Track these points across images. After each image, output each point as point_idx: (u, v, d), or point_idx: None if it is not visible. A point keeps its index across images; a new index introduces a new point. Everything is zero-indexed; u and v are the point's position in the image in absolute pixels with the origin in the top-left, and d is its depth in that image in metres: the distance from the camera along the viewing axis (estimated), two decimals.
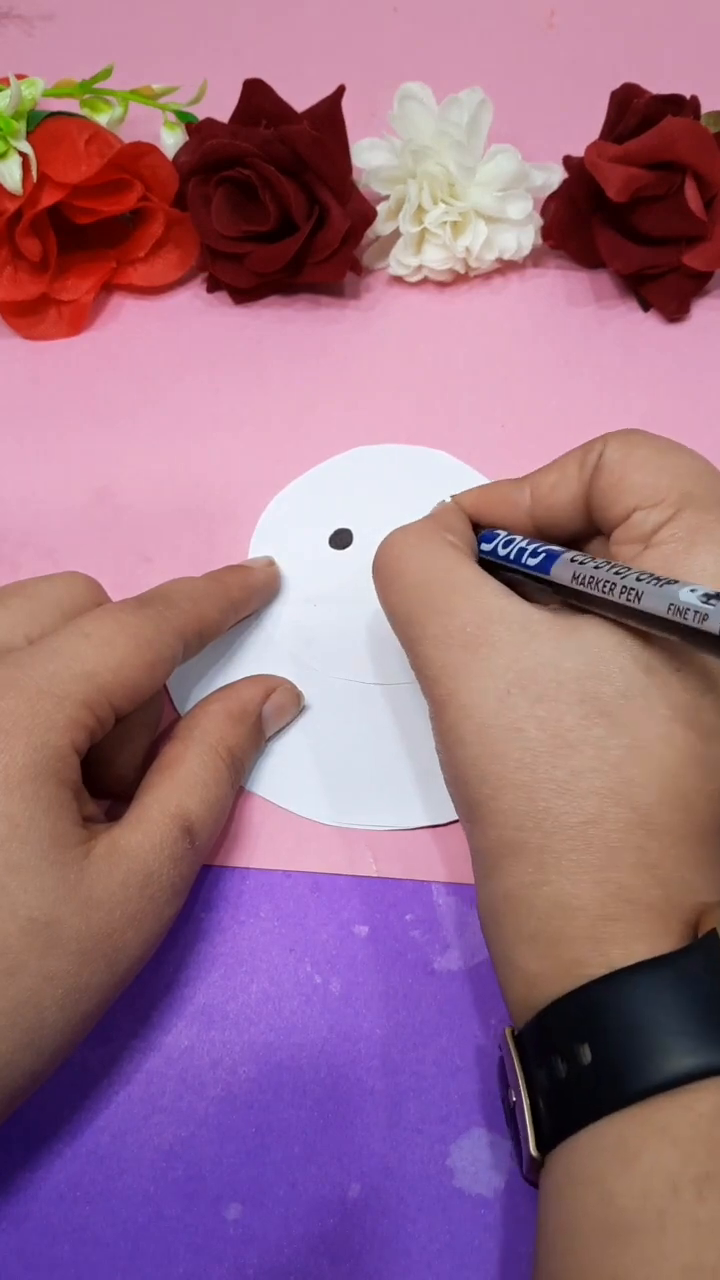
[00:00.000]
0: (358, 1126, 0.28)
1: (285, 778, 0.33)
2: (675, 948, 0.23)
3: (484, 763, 0.26)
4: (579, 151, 0.41)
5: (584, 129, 0.42)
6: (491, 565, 0.30)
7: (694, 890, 0.24)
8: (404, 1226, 0.27)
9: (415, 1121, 0.28)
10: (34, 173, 0.40)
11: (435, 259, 0.43)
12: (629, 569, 0.25)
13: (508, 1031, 0.25)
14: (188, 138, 0.44)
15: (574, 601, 0.27)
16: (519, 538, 0.30)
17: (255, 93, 0.42)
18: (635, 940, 0.23)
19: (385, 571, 0.30)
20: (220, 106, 0.42)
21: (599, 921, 0.24)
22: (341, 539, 0.38)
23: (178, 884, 0.28)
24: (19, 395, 0.42)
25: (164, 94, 0.44)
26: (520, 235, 0.43)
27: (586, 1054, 0.22)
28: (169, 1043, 0.30)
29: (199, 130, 0.43)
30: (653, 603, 0.24)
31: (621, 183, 0.39)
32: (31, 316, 0.43)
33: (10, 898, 0.24)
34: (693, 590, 0.23)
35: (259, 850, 0.32)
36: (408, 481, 0.39)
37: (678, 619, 0.23)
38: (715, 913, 0.23)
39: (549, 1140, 0.23)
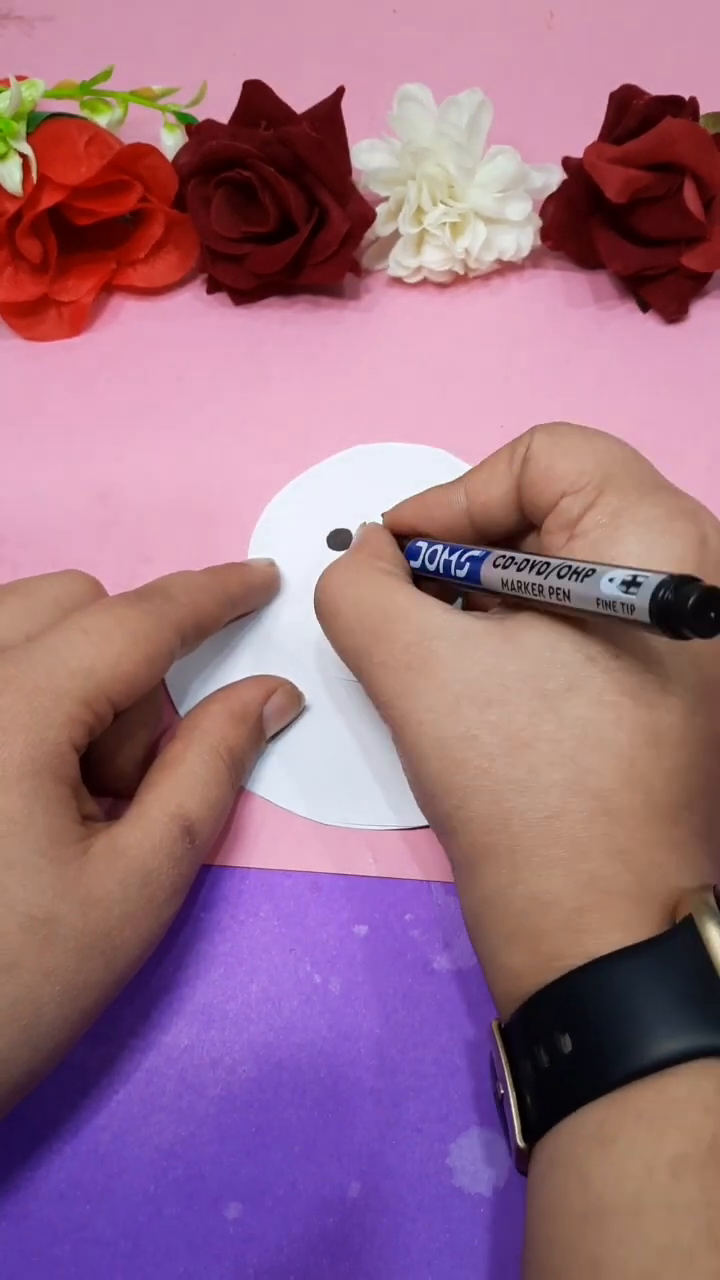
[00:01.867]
0: (357, 1126, 0.28)
1: (285, 778, 0.33)
2: (652, 934, 0.23)
3: (446, 775, 0.26)
4: (578, 152, 0.41)
5: (583, 130, 0.42)
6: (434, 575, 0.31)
7: (666, 873, 0.24)
8: (403, 1225, 0.27)
9: (414, 1121, 0.29)
10: (34, 174, 0.40)
11: (435, 260, 0.43)
12: (548, 564, 0.25)
13: (494, 1024, 0.25)
14: (187, 139, 0.44)
15: (514, 601, 0.27)
16: (441, 547, 0.30)
17: (255, 94, 0.42)
18: (611, 929, 0.23)
19: (325, 610, 0.30)
20: (220, 108, 0.42)
21: (574, 913, 0.24)
22: (340, 539, 0.38)
23: (177, 883, 0.28)
24: (19, 395, 0.42)
25: (164, 95, 0.45)
26: (519, 236, 0.43)
27: (567, 1043, 0.23)
28: (169, 1042, 0.30)
29: (199, 131, 0.43)
30: (580, 601, 0.24)
31: (620, 184, 0.39)
32: (32, 317, 0.43)
33: (8, 894, 0.25)
34: (611, 580, 0.23)
35: (259, 850, 0.32)
36: (407, 481, 0.39)
37: (610, 613, 0.23)
38: (691, 898, 0.23)
39: (535, 1130, 0.23)
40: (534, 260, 0.45)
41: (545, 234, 0.44)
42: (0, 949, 0.24)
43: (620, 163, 0.40)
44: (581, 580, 0.24)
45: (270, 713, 0.33)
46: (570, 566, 0.25)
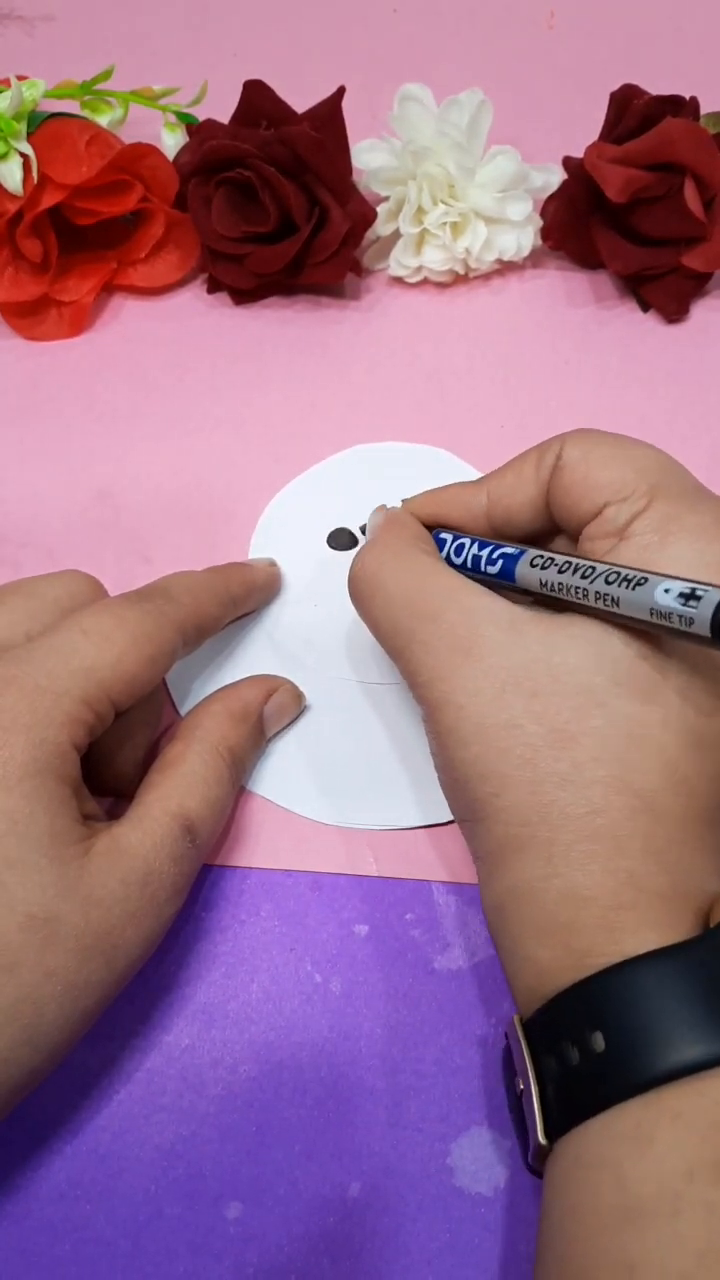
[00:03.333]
0: (358, 1125, 0.28)
1: (286, 778, 0.33)
2: (686, 936, 0.23)
3: (485, 761, 0.26)
4: (578, 152, 0.41)
5: (584, 130, 0.42)
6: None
7: (701, 877, 0.24)
8: (404, 1225, 0.27)
9: (415, 1120, 0.29)
10: (34, 174, 0.40)
11: (435, 260, 0.43)
12: (594, 568, 0.25)
13: (516, 1019, 0.25)
14: (188, 139, 0.44)
15: (549, 600, 0.27)
16: (469, 540, 0.30)
17: (255, 94, 0.42)
18: (647, 928, 0.23)
19: (364, 587, 0.30)
20: (220, 107, 0.42)
21: (611, 910, 0.24)
22: (340, 538, 0.38)
23: (178, 883, 0.28)
24: (19, 395, 0.42)
25: (164, 95, 0.45)
26: (520, 236, 0.43)
27: (600, 1041, 0.23)
28: (169, 1041, 0.30)
29: (199, 131, 0.43)
30: (632, 609, 0.24)
31: (621, 184, 0.39)
32: (32, 317, 0.43)
33: (9, 894, 0.25)
34: (667, 590, 0.23)
35: (259, 850, 0.32)
36: (407, 480, 0.39)
37: (662, 623, 0.23)
38: None
39: (558, 1127, 0.23)
40: (534, 260, 0.45)
41: (546, 234, 0.44)
42: (1, 948, 0.24)
43: (620, 162, 0.40)
44: (633, 588, 0.24)
45: (271, 712, 0.33)
46: (619, 573, 0.24)
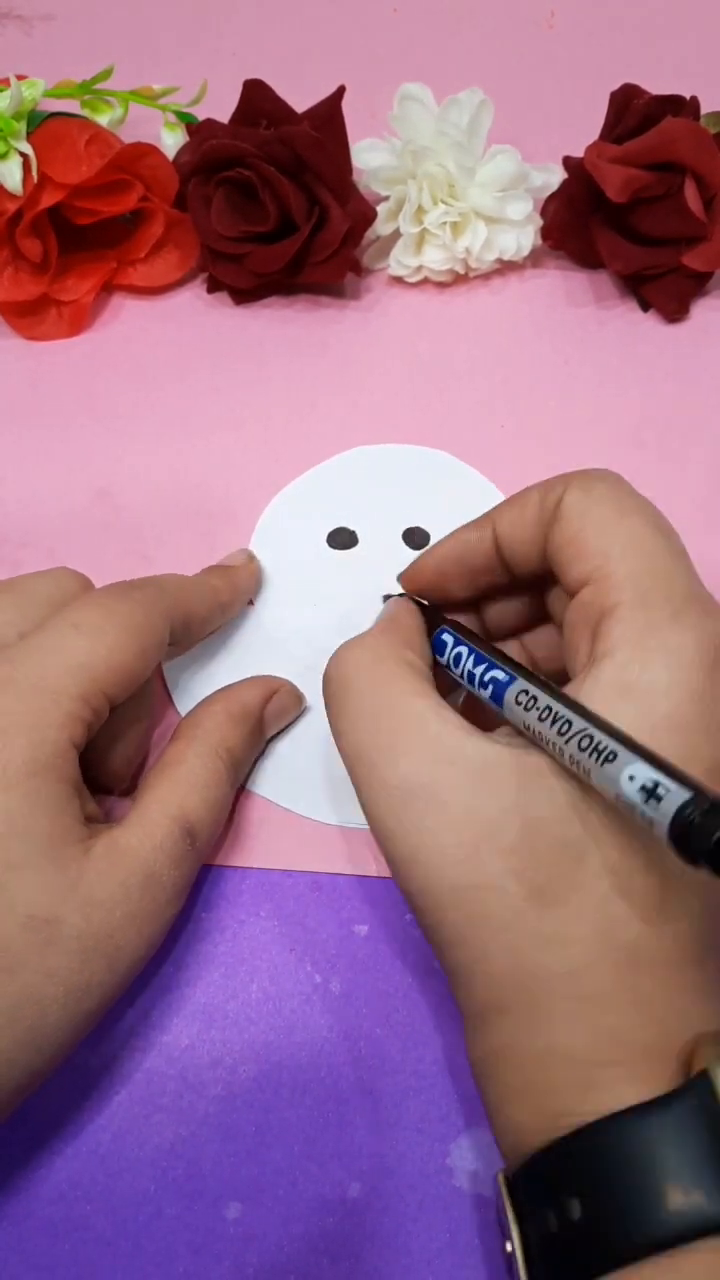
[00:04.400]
0: (358, 1126, 0.28)
1: (286, 777, 0.33)
2: (667, 1087, 0.22)
3: (463, 926, 0.24)
4: (579, 152, 0.41)
5: (584, 129, 0.42)
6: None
7: (686, 1019, 0.23)
8: (404, 1226, 0.27)
9: (415, 1121, 0.29)
10: (34, 173, 0.40)
11: (435, 259, 0.43)
12: (570, 724, 0.23)
13: (500, 1176, 0.24)
14: (188, 138, 0.44)
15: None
16: (466, 651, 0.28)
17: (255, 93, 0.42)
18: (624, 1083, 0.22)
19: (334, 688, 0.28)
20: (220, 107, 0.42)
21: (590, 1067, 0.23)
22: (340, 538, 0.38)
23: (178, 884, 0.28)
24: (19, 395, 0.42)
25: (164, 94, 0.45)
26: (520, 236, 0.43)
27: (576, 1208, 0.21)
28: (169, 1042, 0.30)
29: (199, 131, 0.43)
30: (602, 786, 0.22)
31: (621, 183, 0.39)
32: (32, 317, 0.43)
33: (10, 895, 0.24)
34: (631, 778, 0.21)
35: (259, 850, 0.32)
36: (407, 481, 0.39)
37: (627, 811, 0.22)
38: (708, 1048, 0.22)
39: None
40: (534, 260, 0.45)
41: (546, 233, 0.44)
42: (2, 950, 0.24)
43: (621, 162, 0.40)
44: (602, 764, 0.22)
45: (271, 714, 0.33)
46: (592, 740, 0.23)
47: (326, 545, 0.38)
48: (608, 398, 0.41)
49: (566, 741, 0.23)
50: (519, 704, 0.25)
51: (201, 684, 0.35)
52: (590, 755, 0.22)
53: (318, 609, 0.36)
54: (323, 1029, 0.30)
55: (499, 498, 0.39)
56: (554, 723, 0.24)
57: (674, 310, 0.43)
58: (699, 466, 0.40)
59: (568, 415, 0.41)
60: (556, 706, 0.24)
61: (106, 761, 0.31)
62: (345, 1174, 0.28)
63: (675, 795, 0.20)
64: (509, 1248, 0.23)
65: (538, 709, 0.24)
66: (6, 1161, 0.28)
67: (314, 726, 0.34)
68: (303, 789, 0.33)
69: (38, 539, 0.38)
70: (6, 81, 0.41)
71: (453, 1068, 0.29)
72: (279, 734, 0.34)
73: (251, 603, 0.35)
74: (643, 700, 0.24)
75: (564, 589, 0.27)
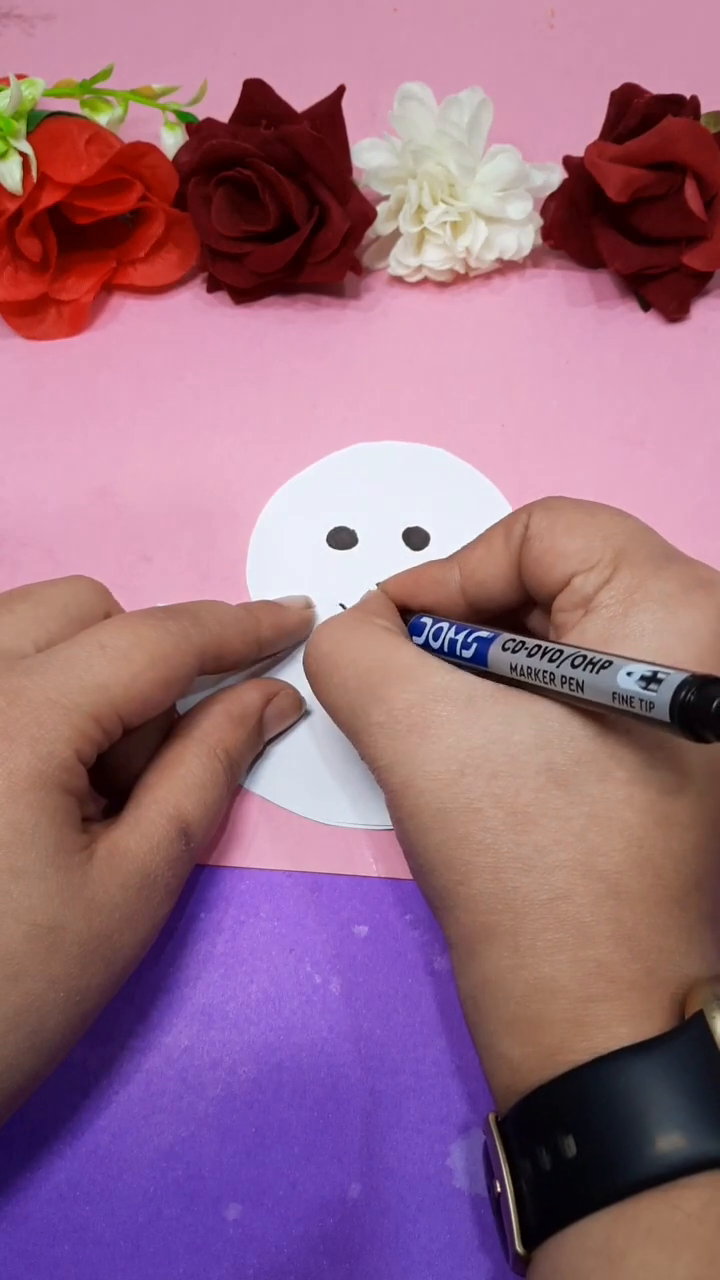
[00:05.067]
0: (358, 1126, 0.28)
1: (286, 778, 0.33)
2: (661, 1028, 0.22)
3: (448, 848, 0.25)
4: (579, 151, 0.41)
5: (584, 129, 0.42)
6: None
7: (676, 961, 0.23)
8: (404, 1226, 0.27)
9: (415, 1121, 0.28)
10: (34, 173, 0.40)
11: (435, 259, 0.43)
12: (560, 651, 0.24)
13: (491, 1117, 0.24)
14: (188, 138, 0.44)
15: (520, 685, 0.26)
16: (447, 625, 0.29)
17: (255, 93, 0.42)
18: (619, 1022, 0.23)
19: (321, 666, 0.29)
20: (220, 106, 0.42)
21: (580, 1003, 0.23)
22: (340, 538, 0.38)
23: (173, 884, 0.28)
24: (19, 395, 0.42)
25: (164, 94, 0.44)
26: (520, 235, 0.43)
27: (571, 1146, 0.22)
28: (169, 1043, 0.30)
29: (199, 130, 0.43)
30: (595, 694, 0.23)
31: (621, 183, 0.39)
32: (32, 316, 0.43)
33: (14, 903, 0.24)
34: (629, 674, 0.22)
35: (259, 850, 0.32)
36: (407, 479, 0.39)
37: (625, 708, 0.22)
38: (702, 990, 0.22)
39: (535, 1235, 0.22)
40: (535, 259, 0.45)
41: (546, 233, 0.44)
42: (7, 959, 0.24)
43: (621, 162, 0.40)
44: (597, 671, 0.23)
45: (270, 716, 0.33)
46: (584, 656, 0.24)
47: (326, 544, 0.38)
48: (608, 398, 0.41)
49: (558, 665, 0.24)
50: (506, 649, 0.26)
51: (201, 684, 0.35)
52: (584, 669, 0.23)
53: (317, 608, 0.36)
54: (322, 1029, 0.30)
55: (498, 497, 0.39)
56: (544, 654, 0.25)
57: (674, 310, 0.43)
58: (699, 466, 0.40)
59: (568, 415, 0.41)
60: (545, 643, 0.25)
61: (127, 772, 0.30)
62: (345, 1174, 0.28)
63: (674, 677, 0.21)
64: (498, 1188, 0.23)
65: (526, 648, 0.26)
66: (7, 1162, 0.28)
67: (314, 727, 0.34)
68: (302, 789, 0.33)
69: (37, 539, 0.38)
70: (6, 81, 0.41)
71: (453, 1068, 0.29)
72: (279, 735, 0.34)
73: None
74: (630, 642, 0.25)
75: (544, 596, 0.28)
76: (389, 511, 0.38)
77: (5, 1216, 0.28)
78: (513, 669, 0.26)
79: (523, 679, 0.26)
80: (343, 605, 0.36)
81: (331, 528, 0.38)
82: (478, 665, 0.27)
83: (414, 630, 0.31)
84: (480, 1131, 0.28)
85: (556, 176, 0.43)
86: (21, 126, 0.40)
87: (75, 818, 0.26)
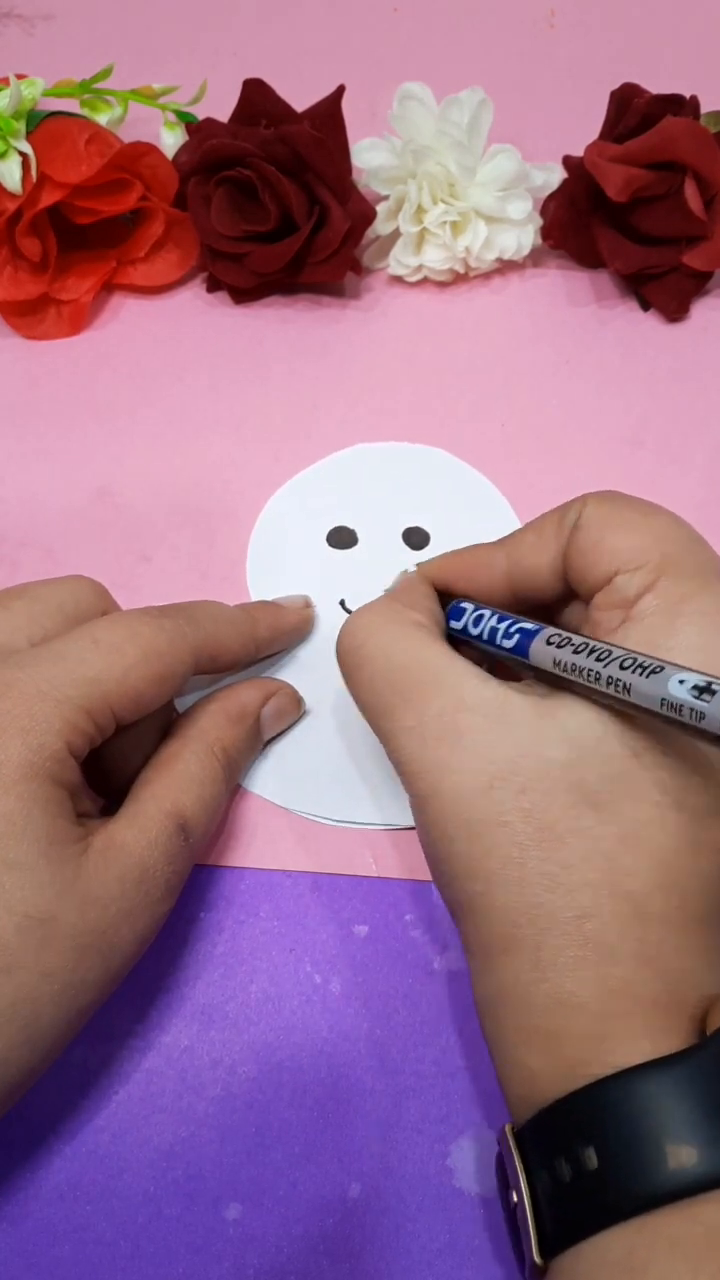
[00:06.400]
0: (358, 1126, 0.28)
1: (285, 777, 0.33)
2: (682, 1045, 0.22)
3: (473, 859, 0.25)
4: (579, 151, 0.41)
5: (584, 129, 0.42)
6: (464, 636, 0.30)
7: (697, 981, 0.24)
8: (404, 1226, 0.27)
9: (415, 1121, 0.28)
10: (34, 172, 0.40)
11: (435, 259, 0.43)
12: (610, 651, 0.24)
13: (507, 1128, 0.24)
14: (188, 137, 0.44)
15: (554, 679, 0.26)
16: (488, 612, 0.29)
17: (255, 93, 0.42)
18: (639, 1038, 0.23)
19: (350, 658, 0.29)
20: (220, 106, 0.42)
21: (601, 1019, 0.23)
22: (340, 537, 0.38)
23: (171, 880, 0.28)
24: (19, 395, 0.42)
25: (164, 94, 0.44)
26: (520, 235, 0.43)
27: (592, 1158, 0.22)
28: (169, 1042, 0.30)
29: (199, 130, 0.43)
30: (642, 698, 0.23)
31: (621, 182, 0.39)
32: (31, 316, 0.43)
33: (6, 895, 0.24)
34: (682, 681, 0.22)
35: (259, 850, 0.32)
36: (407, 479, 0.39)
37: (672, 715, 0.22)
38: None
39: (552, 1246, 0.22)
40: (535, 259, 0.45)
41: (546, 233, 0.44)
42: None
43: (621, 161, 0.40)
44: (647, 676, 0.23)
45: (269, 715, 0.33)
46: (635, 659, 0.23)
47: (326, 544, 0.38)
48: (608, 398, 0.41)
49: (605, 665, 0.24)
50: (551, 644, 0.26)
51: (198, 684, 0.35)
52: (634, 671, 0.23)
53: (317, 608, 0.36)
54: (322, 1029, 0.30)
55: (499, 497, 0.39)
56: (591, 652, 0.24)
57: (674, 310, 0.43)
58: (699, 467, 0.40)
59: (568, 415, 0.41)
60: (593, 641, 0.25)
61: (126, 773, 0.30)
62: (345, 1174, 0.28)
63: None
64: (514, 1198, 0.23)
65: (573, 645, 0.25)
66: (6, 1162, 0.28)
67: (315, 727, 0.34)
68: (302, 788, 0.33)
69: (37, 538, 0.38)
70: (6, 80, 0.41)
71: (453, 1068, 0.29)
72: (279, 734, 0.34)
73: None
74: (675, 655, 0.24)
75: (586, 590, 0.27)
76: (389, 511, 0.38)
77: (5, 1216, 0.28)
78: (556, 664, 0.25)
79: (565, 675, 0.25)
80: (343, 603, 0.36)
81: (331, 528, 0.38)
82: (517, 656, 0.27)
83: (453, 615, 0.30)
84: (482, 1133, 0.28)
85: (556, 176, 0.43)
86: (21, 126, 0.40)
87: (68, 810, 0.26)
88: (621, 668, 0.23)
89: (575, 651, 0.25)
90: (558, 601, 0.30)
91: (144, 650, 0.28)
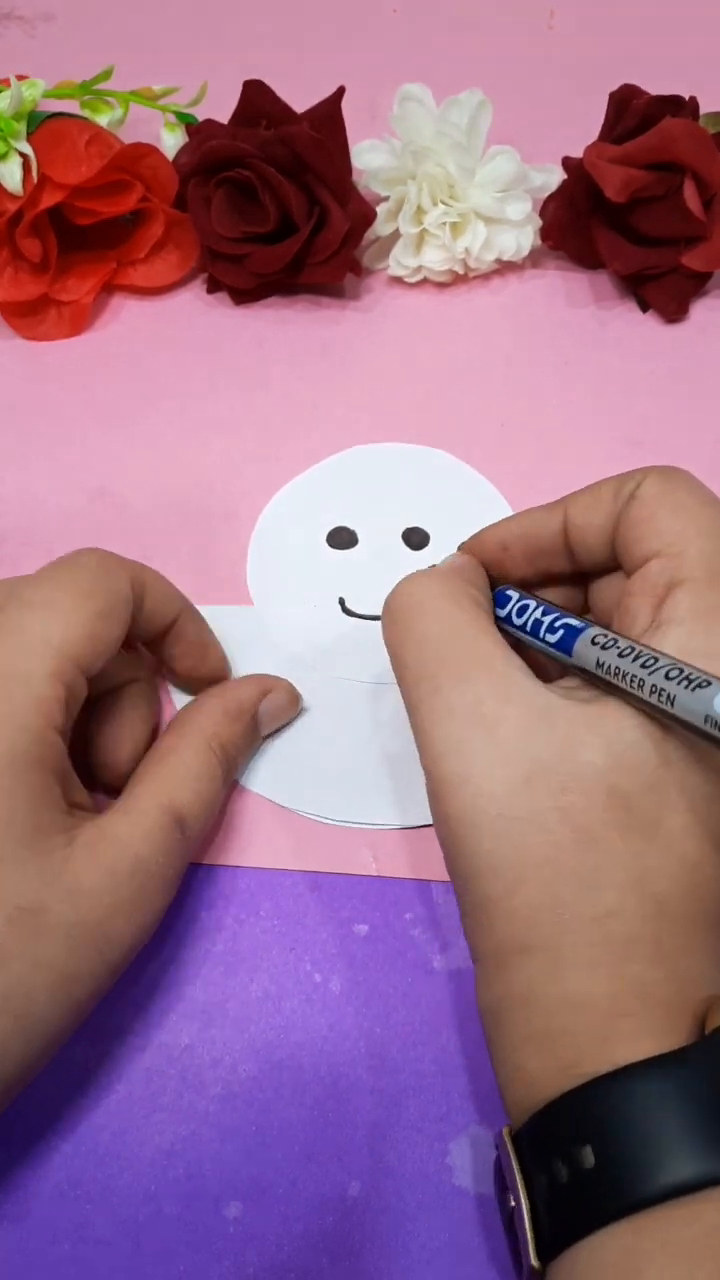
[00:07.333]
0: (358, 1125, 0.28)
1: (285, 776, 0.33)
2: (681, 1044, 0.22)
3: (500, 855, 0.24)
4: (578, 152, 0.41)
5: (583, 130, 0.42)
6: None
7: (704, 981, 0.24)
8: (403, 1225, 0.27)
9: (415, 1120, 0.29)
10: (34, 173, 0.40)
11: (435, 260, 0.43)
12: (656, 660, 0.24)
13: (505, 1131, 0.24)
14: (188, 139, 0.44)
15: (589, 677, 0.26)
16: (534, 603, 0.28)
17: (255, 93, 0.42)
18: (642, 1037, 0.23)
19: (401, 616, 0.28)
20: (220, 107, 0.42)
21: (608, 1018, 0.23)
22: (340, 538, 0.38)
23: (167, 874, 0.28)
24: (19, 395, 0.42)
25: (164, 95, 0.45)
26: (519, 236, 0.43)
27: (589, 1156, 0.21)
28: (169, 1041, 0.30)
29: (199, 131, 0.43)
30: (685, 712, 0.23)
31: (620, 183, 0.39)
32: (32, 317, 0.43)
33: None
34: None
35: (259, 849, 0.32)
36: (407, 481, 0.39)
37: (713, 732, 0.22)
38: None
39: (550, 1249, 0.22)
40: (534, 260, 0.45)
41: (545, 234, 0.44)
42: None
43: (620, 162, 0.40)
44: (692, 689, 0.22)
45: (266, 712, 0.33)
46: (681, 670, 0.23)
47: (326, 545, 0.38)
48: (608, 398, 0.41)
49: (651, 673, 0.24)
50: (596, 644, 0.25)
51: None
52: (679, 683, 0.23)
53: (317, 609, 0.36)
54: (322, 1028, 0.30)
55: (499, 497, 0.39)
56: (636, 657, 0.24)
57: (674, 310, 0.43)
58: (699, 467, 0.39)
59: (568, 415, 0.41)
60: (639, 646, 0.25)
61: (112, 762, 0.31)
62: (345, 1174, 0.28)
63: None
64: (512, 1202, 0.23)
65: (618, 647, 0.25)
66: (6, 1161, 0.28)
67: (314, 725, 0.34)
68: (302, 788, 0.33)
69: (37, 538, 0.38)
70: (6, 81, 0.41)
71: (453, 1068, 0.29)
72: (278, 732, 0.34)
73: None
74: (712, 663, 0.24)
75: (627, 566, 0.27)
76: (389, 512, 0.38)
77: (5, 1215, 0.28)
78: (599, 665, 0.25)
79: (606, 677, 0.25)
80: (343, 603, 0.36)
81: (332, 528, 0.38)
82: (560, 651, 0.27)
83: (498, 601, 0.30)
84: (481, 1130, 0.28)
85: (555, 177, 0.43)
86: (22, 127, 0.40)
87: (54, 797, 0.26)
88: (667, 677, 0.23)
89: (620, 655, 0.25)
90: (603, 571, 0.29)
91: (76, 591, 0.28)
